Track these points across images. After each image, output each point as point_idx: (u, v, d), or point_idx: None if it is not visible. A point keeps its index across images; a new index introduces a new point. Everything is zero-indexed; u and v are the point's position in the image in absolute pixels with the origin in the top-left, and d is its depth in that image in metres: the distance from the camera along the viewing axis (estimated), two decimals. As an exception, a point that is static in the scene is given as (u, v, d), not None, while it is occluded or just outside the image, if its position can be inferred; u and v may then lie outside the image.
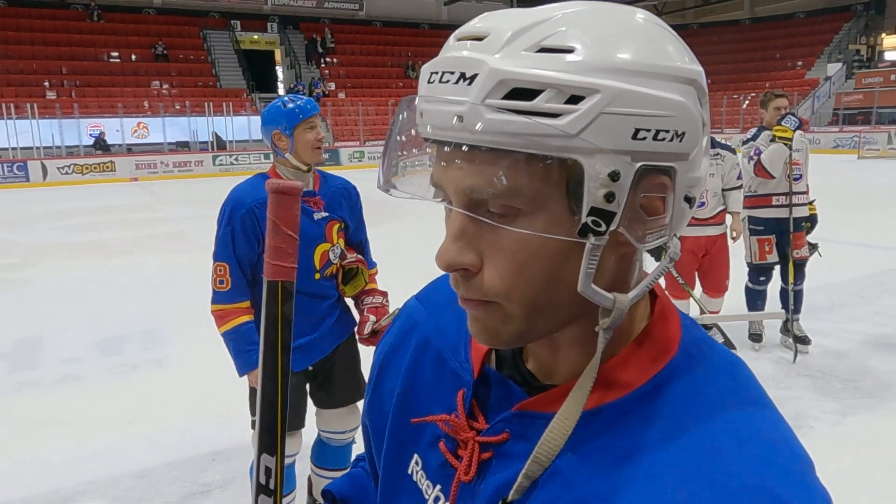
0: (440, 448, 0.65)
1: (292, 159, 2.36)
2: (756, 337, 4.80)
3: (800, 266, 4.62)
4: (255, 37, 31.68)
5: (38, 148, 21.72)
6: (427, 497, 0.66)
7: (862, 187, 13.95)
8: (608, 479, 0.51)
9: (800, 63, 32.36)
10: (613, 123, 0.48)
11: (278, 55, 32.31)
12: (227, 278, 2.31)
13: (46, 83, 25.20)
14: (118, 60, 27.60)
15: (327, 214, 2.44)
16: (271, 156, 2.45)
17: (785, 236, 4.59)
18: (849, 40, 32.32)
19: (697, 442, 0.50)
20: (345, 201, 2.52)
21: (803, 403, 3.83)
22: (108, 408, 4.08)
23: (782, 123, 4.35)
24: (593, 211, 0.49)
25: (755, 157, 4.44)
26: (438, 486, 0.65)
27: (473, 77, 0.49)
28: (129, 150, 23.57)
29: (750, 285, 4.84)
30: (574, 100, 0.47)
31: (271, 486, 0.68)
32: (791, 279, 4.61)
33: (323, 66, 31.41)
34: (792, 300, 4.64)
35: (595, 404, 0.55)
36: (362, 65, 32.24)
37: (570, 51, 0.48)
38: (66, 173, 20.91)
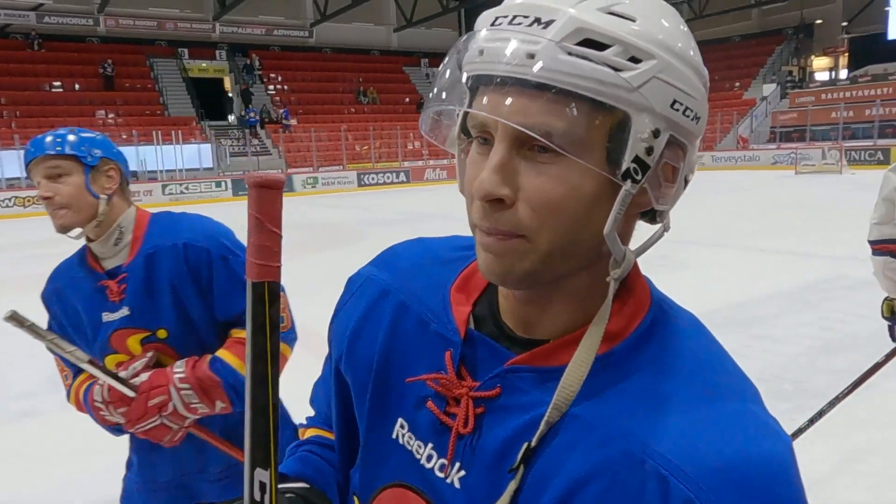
0: (429, 407, 0.67)
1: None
2: None
3: None
4: (204, 65, 31.37)
5: (-24, 181, 20.97)
6: (419, 456, 0.68)
7: (801, 200, 14.55)
8: (635, 418, 0.57)
9: (737, 84, 33.72)
10: (661, 89, 0.55)
11: (227, 83, 32.03)
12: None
13: (-16, 114, 24.42)
14: (61, 90, 26.92)
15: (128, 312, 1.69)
16: None
17: None
18: (781, 62, 33.89)
19: (695, 382, 0.59)
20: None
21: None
22: (68, 440, 3.96)
23: None
24: (636, 159, 0.55)
25: None
26: (430, 445, 0.67)
27: (549, 22, 0.54)
28: (74, 180, 22.89)
29: None
30: (634, 60, 0.54)
31: (266, 502, 0.63)
32: None
33: (273, 92, 31.26)
34: None
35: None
36: (313, 91, 32.23)
37: (632, 20, 0.55)
38: (7, 206, 20.19)
